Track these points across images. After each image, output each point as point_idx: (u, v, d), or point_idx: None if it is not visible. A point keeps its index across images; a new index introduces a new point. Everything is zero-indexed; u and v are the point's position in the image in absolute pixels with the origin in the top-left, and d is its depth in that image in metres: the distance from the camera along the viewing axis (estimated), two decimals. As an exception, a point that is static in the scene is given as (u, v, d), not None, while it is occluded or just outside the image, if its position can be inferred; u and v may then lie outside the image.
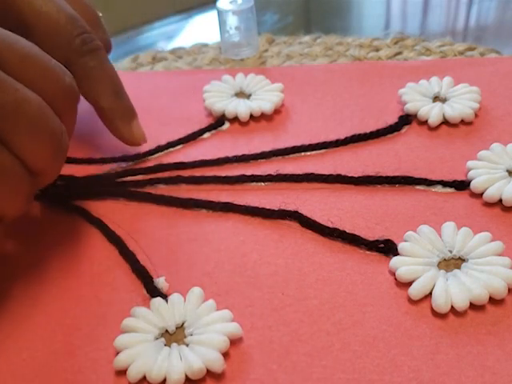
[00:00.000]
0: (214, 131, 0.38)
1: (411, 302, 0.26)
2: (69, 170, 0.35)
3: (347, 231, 0.29)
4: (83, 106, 0.33)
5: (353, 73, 0.42)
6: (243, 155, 0.35)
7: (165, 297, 0.26)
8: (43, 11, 0.31)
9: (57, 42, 0.31)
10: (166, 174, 0.34)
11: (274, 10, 0.57)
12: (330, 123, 0.37)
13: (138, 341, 0.24)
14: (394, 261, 0.27)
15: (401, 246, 0.28)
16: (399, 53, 0.44)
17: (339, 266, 0.28)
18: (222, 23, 0.44)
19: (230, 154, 0.35)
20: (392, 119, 0.36)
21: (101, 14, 0.38)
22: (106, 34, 0.37)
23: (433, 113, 0.36)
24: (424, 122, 0.36)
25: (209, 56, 0.46)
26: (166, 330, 0.25)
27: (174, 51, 0.48)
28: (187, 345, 0.24)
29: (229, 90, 0.40)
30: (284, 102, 0.39)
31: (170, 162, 0.35)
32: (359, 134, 0.35)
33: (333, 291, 0.27)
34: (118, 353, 0.24)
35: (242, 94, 0.40)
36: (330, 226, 0.30)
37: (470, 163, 0.32)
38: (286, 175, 0.33)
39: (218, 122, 0.38)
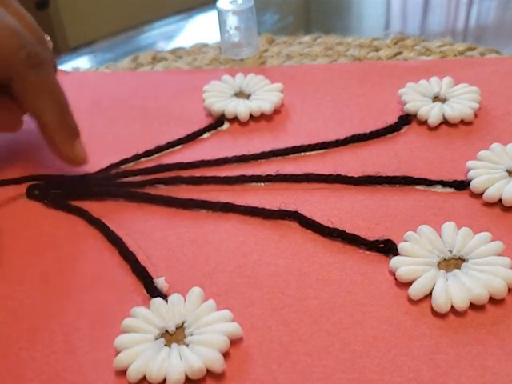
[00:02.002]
0: (213, 131, 0.38)
1: (411, 301, 0.26)
2: (69, 170, 0.35)
3: (347, 231, 0.29)
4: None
5: (353, 73, 0.42)
6: (243, 155, 0.35)
7: (165, 297, 0.26)
8: None
9: (0, 55, 0.31)
10: (166, 175, 0.34)
11: (274, 10, 0.57)
12: (329, 123, 0.37)
13: (138, 341, 0.24)
14: (394, 261, 0.27)
15: (401, 246, 0.28)
16: (399, 53, 0.44)
17: (339, 266, 0.28)
18: (222, 23, 0.44)
19: (230, 154, 0.35)
20: (392, 119, 0.36)
21: (48, 38, 0.38)
22: (52, 56, 0.36)
23: (432, 113, 0.36)
24: (424, 122, 0.36)
25: (209, 56, 0.46)
26: (166, 330, 0.25)
27: (173, 51, 0.48)
28: (187, 345, 0.24)
29: (228, 90, 0.40)
30: (284, 102, 0.39)
31: (169, 162, 0.35)
32: (359, 134, 0.35)
33: (333, 291, 0.27)
34: (118, 353, 0.24)
35: (241, 94, 0.40)
36: (330, 226, 0.30)
37: (469, 163, 0.32)
38: (286, 175, 0.33)
39: (218, 122, 0.38)
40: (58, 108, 0.33)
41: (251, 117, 0.38)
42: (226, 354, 0.24)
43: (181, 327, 0.25)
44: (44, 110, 0.32)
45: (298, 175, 0.33)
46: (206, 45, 0.48)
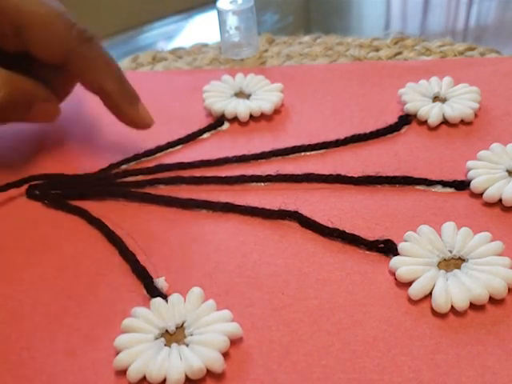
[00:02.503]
0: (213, 131, 0.38)
1: (411, 301, 0.26)
2: (69, 170, 0.35)
3: (347, 231, 0.29)
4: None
5: (353, 73, 0.42)
6: (243, 155, 0.35)
7: (165, 297, 0.26)
8: (31, 8, 0.31)
9: (53, 36, 0.32)
10: (166, 175, 0.34)
11: (274, 10, 0.57)
12: (329, 123, 0.37)
13: (137, 341, 0.24)
14: (394, 261, 0.27)
15: (401, 246, 0.28)
16: (399, 53, 0.44)
17: (339, 266, 0.28)
18: (222, 23, 0.44)
19: (230, 154, 0.35)
20: (392, 119, 0.36)
21: None
22: None
23: (432, 113, 0.36)
24: (424, 122, 0.36)
25: (209, 56, 0.46)
26: (166, 330, 0.25)
27: (173, 51, 0.48)
28: (187, 345, 0.24)
29: (228, 90, 0.40)
30: (284, 102, 0.39)
31: (169, 162, 0.35)
32: (359, 134, 0.35)
33: (333, 291, 0.27)
34: (118, 353, 0.24)
35: (241, 94, 0.40)
36: (330, 226, 0.30)
37: (469, 163, 0.32)
38: (286, 175, 0.33)
39: (218, 122, 0.38)
40: (117, 76, 0.34)
41: (251, 117, 0.38)
42: (226, 354, 0.24)
43: (181, 327, 0.25)
44: (106, 80, 0.34)
45: (298, 175, 0.33)
46: (206, 45, 0.48)
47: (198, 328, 0.25)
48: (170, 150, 0.36)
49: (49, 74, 0.34)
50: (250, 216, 0.31)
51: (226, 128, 0.38)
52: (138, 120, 0.35)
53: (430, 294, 0.26)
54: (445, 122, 0.36)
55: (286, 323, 0.26)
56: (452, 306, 0.25)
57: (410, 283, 0.26)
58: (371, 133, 0.35)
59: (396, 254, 0.28)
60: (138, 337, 0.25)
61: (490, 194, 0.30)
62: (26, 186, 0.34)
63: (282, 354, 0.24)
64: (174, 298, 0.26)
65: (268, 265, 0.28)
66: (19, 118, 0.34)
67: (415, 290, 0.26)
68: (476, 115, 0.36)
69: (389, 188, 0.32)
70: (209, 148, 0.36)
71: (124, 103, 0.34)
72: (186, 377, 0.23)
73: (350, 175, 0.32)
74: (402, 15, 0.58)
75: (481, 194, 0.30)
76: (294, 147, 0.35)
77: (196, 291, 0.26)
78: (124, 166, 0.35)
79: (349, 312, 0.26)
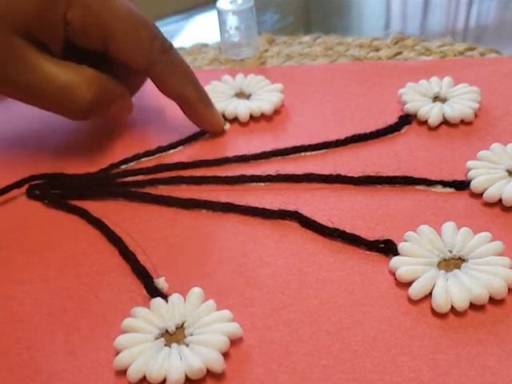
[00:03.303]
0: (213, 131, 0.38)
1: (411, 301, 0.26)
2: (69, 170, 0.35)
3: (347, 231, 0.29)
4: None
5: (353, 73, 0.42)
6: (243, 155, 0.35)
7: (165, 297, 0.26)
8: (122, 16, 0.33)
9: (137, 45, 0.33)
10: (166, 175, 0.34)
11: (274, 10, 0.57)
12: (329, 123, 0.37)
13: (138, 341, 0.24)
14: (394, 261, 0.27)
15: (401, 246, 0.28)
16: (399, 53, 0.44)
17: (339, 266, 0.28)
18: (222, 23, 0.44)
19: (230, 154, 0.35)
20: (392, 119, 0.36)
21: None
22: None
23: (433, 113, 0.36)
24: (424, 122, 0.36)
25: (209, 56, 0.46)
26: (166, 330, 0.25)
27: (173, 51, 0.48)
28: (187, 345, 0.24)
29: (229, 90, 0.40)
30: (284, 102, 0.39)
31: (170, 162, 0.35)
32: (359, 134, 0.35)
33: (333, 291, 0.27)
34: (118, 353, 0.24)
35: (241, 95, 0.40)
36: (330, 226, 0.30)
37: (469, 163, 0.32)
38: (286, 175, 0.33)
39: (218, 122, 0.38)
40: (194, 82, 0.36)
41: (251, 117, 0.38)
42: (226, 354, 0.24)
43: (181, 327, 0.25)
44: (185, 87, 0.35)
45: (298, 175, 0.33)
46: (206, 45, 0.48)
47: (198, 328, 0.25)
48: (171, 150, 0.36)
49: (124, 70, 0.35)
50: (250, 216, 0.31)
51: (226, 128, 0.38)
52: (214, 122, 0.37)
53: (430, 294, 0.26)
54: (445, 122, 0.36)
55: (286, 323, 0.26)
56: (452, 306, 0.25)
57: (410, 283, 0.26)
58: (371, 133, 0.35)
59: (396, 254, 0.28)
60: (138, 337, 0.25)
61: (490, 194, 0.30)
62: (26, 186, 0.34)
63: (281, 354, 0.24)
64: (174, 298, 0.26)
65: (268, 265, 0.28)
66: (100, 115, 0.36)
67: (415, 290, 0.26)
68: (476, 115, 0.36)
69: (389, 188, 0.32)
70: (209, 148, 0.36)
71: (202, 108, 0.36)
72: (186, 377, 0.23)
73: (350, 175, 0.32)
74: (402, 15, 0.58)
75: (481, 194, 0.30)
76: (294, 147, 0.35)
77: (196, 291, 0.26)
78: (124, 166, 0.35)
79: (349, 312, 0.26)
